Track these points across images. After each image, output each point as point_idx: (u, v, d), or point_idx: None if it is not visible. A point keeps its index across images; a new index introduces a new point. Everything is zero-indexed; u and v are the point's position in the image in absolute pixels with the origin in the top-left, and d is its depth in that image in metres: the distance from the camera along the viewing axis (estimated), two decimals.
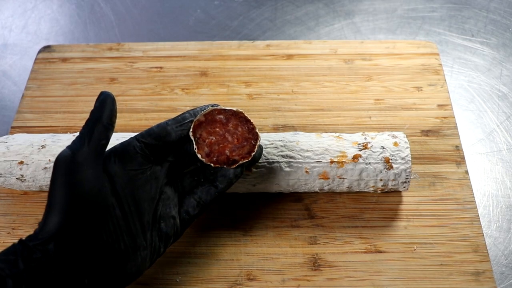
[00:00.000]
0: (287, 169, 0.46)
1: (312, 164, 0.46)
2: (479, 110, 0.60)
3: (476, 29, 0.69)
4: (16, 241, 0.48)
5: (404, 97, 0.57)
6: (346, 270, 0.46)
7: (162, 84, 0.59)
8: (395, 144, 0.46)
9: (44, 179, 0.47)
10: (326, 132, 0.54)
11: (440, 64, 0.60)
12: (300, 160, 0.46)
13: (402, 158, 0.46)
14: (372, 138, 0.47)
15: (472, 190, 0.50)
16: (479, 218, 0.48)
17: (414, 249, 0.47)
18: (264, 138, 0.47)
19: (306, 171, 0.46)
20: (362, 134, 0.48)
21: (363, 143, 0.47)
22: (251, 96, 0.58)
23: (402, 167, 0.46)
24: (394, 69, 0.59)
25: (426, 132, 0.54)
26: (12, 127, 0.56)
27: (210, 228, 0.48)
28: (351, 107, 0.56)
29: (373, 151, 0.46)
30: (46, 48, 0.63)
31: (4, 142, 0.48)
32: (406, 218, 0.48)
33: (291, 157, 0.46)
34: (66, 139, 0.48)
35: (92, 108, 0.39)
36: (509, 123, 0.59)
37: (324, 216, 0.49)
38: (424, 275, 0.45)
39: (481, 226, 0.48)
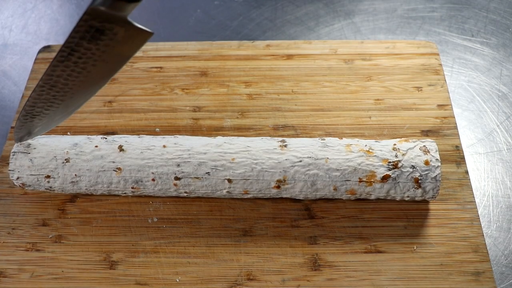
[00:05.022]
0: (316, 186, 0.47)
1: (340, 183, 0.46)
2: (479, 110, 0.60)
3: (476, 29, 0.69)
4: (16, 241, 0.49)
5: (404, 97, 0.57)
6: (346, 270, 0.46)
7: (162, 84, 0.59)
8: (426, 162, 0.46)
9: (73, 190, 0.48)
10: (328, 132, 0.54)
11: (440, 64, 0.60)
12: (328, 180, 0.46)
13: (432, 178, 0.46)
14: (403, 154, 0.46)
15: (472, 190, 0.50)
16: (479, 218, 0.48)
17: (414, 249, 0.47)
18: (293, 154, 0.47)
19: (334, 189, 0.47)
20: (394, 149, 0.47)
21: (393, 161, 0.46)
22: (251, 96, 0.58)
23: (431, 186, 0.46)
24: (394, 69, 0.59)
25: (426, 132, 0.54)
26: (12, 127, 0.56)
27: (210, 228, 0.48)
28: (351, 107, 0.56)
29: (403, 171, 0.46)
30: (46, 48, 0.63)
31: (26, 152, 0.48)
32: (406, 218, 0.48)
33: (319, 176, 0.46)
34: (89, 151, 0.47)
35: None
36: (509, 123, 0.59)
37: (324, 216, 0.49)
38: (424, 275, 0.45)
39: (481, 226, 0.48)
